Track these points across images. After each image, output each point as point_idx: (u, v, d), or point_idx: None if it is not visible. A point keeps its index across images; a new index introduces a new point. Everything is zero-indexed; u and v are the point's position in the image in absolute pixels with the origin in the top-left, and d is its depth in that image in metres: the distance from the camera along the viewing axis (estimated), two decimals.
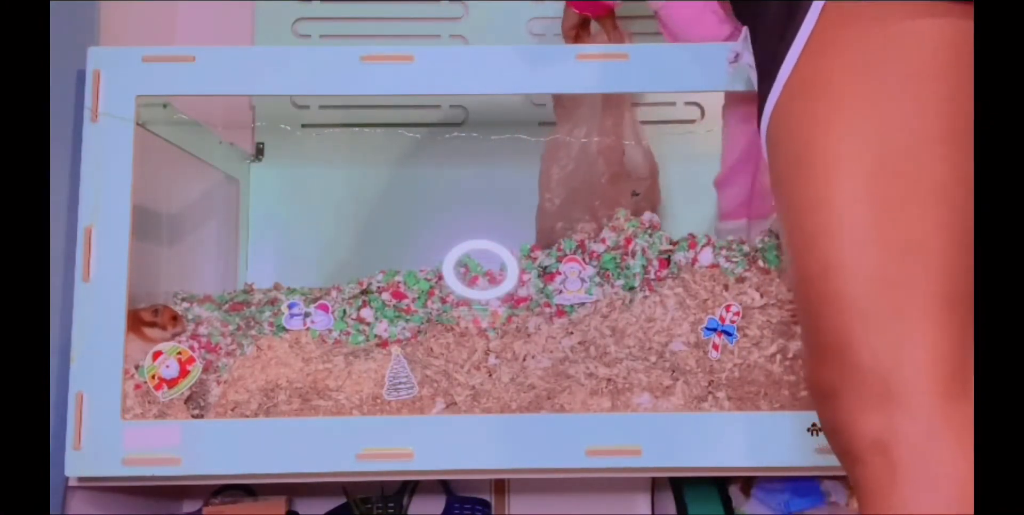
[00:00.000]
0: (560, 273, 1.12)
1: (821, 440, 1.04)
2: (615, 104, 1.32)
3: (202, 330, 1.13)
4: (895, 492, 0.61)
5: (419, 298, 1.13)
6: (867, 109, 0.63)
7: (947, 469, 0.60)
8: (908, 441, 0.61)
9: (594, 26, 1.25)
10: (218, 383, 1.09)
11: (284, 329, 1.12)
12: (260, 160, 1.60)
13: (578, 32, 1.24)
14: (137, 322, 1.10)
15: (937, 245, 0.62)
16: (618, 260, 1.12)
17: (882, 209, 0.63)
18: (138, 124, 1.09)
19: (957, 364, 0.62)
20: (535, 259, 1.13)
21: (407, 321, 1.12)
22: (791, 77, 0.66)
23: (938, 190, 0.62)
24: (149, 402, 1.06)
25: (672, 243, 1.13)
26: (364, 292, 1.13)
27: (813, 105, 0.65)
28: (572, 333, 1.10)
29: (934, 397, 0.61)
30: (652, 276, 1.12)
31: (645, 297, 1.11)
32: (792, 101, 0.67)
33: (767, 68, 0.68)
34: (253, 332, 1.12)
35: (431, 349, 1.11)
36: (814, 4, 0.65)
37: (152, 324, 1.11)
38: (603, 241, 1.13)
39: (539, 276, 1.13)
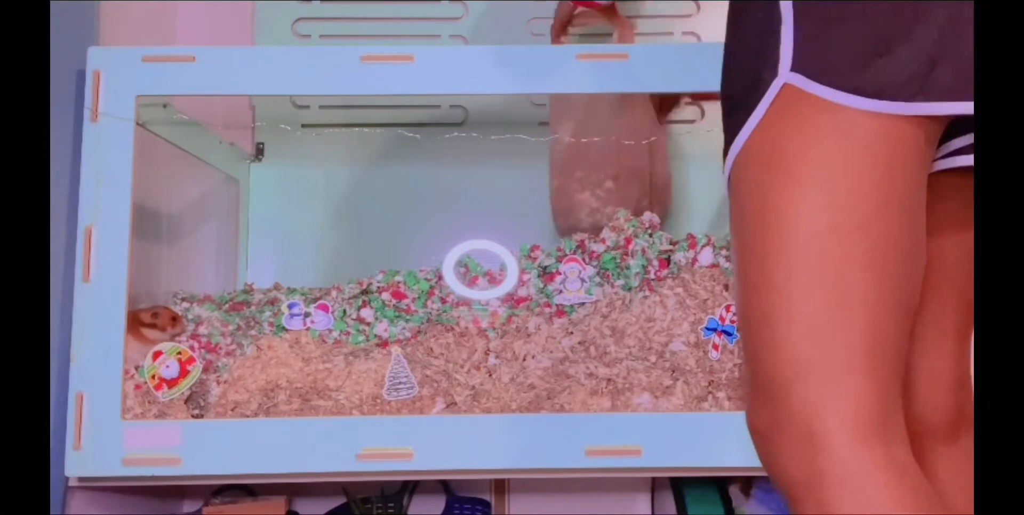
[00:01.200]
0: (560, 273, 1.12)
1: None
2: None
3: (202, 330, 1.13)
4: None
5: (419, 298, 1.13)
6: (816, 178, 0.70)
7: (875, 504, 0.64)
8: (834, 481, 0.65)
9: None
10: (218, 383, 1.09)
11: (284, 329, 1.12)
12: (260, 160, 1.60)
13: (562, 30, 1.26)
14: (136, 323, 1.10)
15: (870, 303, 0.68)
16: (618, 260, 1.12)
17: (824, 266, 0.69)
18: (138, 124, 1.09)
19: (877, 408, 0.67)
20: (535, 259, 1.13)
21: (407, 321, 1.12)
22: (751, 138, 0.73)
23: (874, 255, 0.69)
24: (149, 402, 1.06)
25: (672, 243, 1.13)
26: (364, 292, 1.13)
27: (769, 169, 0.72)
28: (572, 333, 1.10)
29: (855, 439, 0.66)
30: (652, 276, 1.12)
31: (645, 297, 1.11)
32: (750, 163, 0.74)
33: (730, 126, 0.76)
34: (253, 332, 1.12)
35: (431, 349, 1.11)
36: (774, 83, 0.72)
37: (151, 325, 1.10)
38: (603, 241, 1.13)
39: (539, 276, 1.13)
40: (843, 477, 0.65)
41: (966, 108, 0.68)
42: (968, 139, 0.78)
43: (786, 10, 0.74)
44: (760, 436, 0.71)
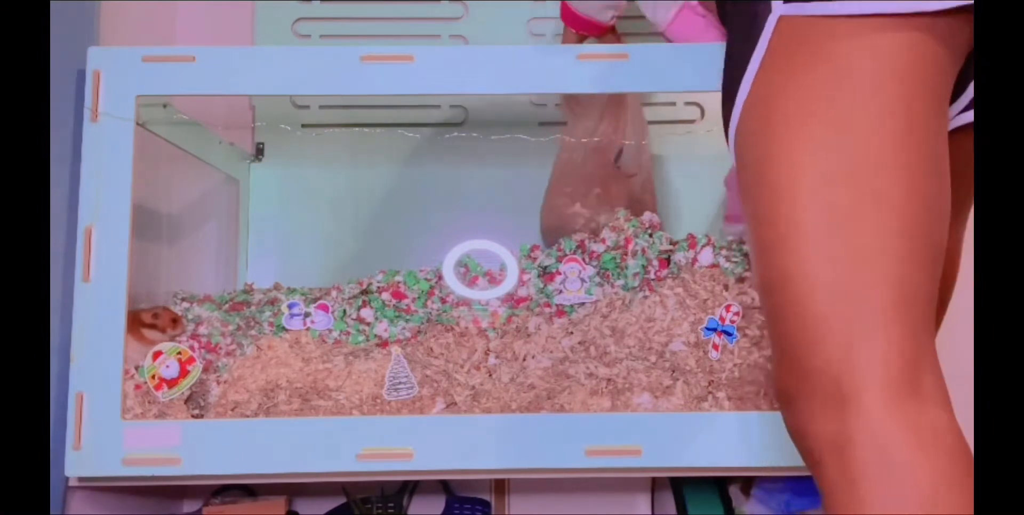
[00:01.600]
0: (560, 273, 1.12)
1: None
2: (616, 103, 1.33)
3: (202, 330, 1.13)
4: (853, 492, 0.62)
5: (419, 298, 1.13)
6: (820, 124, 0.65)
7: (903, 468, 0.60)
8: (862, 441, 0.62)
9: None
10: (218, 383, 1.09)
11: (284, 329, 1.12)
12: (260, 160, 1.59)
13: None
14: (136, 324, 1.10)
15: (888, 253, 0.64)
16: (618, 260, 1.12)
17: (835, 219, 0.64)
18: (138, 124, 1.09)
19: (908, 366, 0.63)
20: (535, 259, 1.13)
21: (407, 321, 1.12)
22: (749, 96, 0.69)
23: (891, 199, 0.64)
24: (149, 402, 1.06)
25: (672, 243, 1.13)
26: (364, 292, 1.13)
27: (770, 122, 0.67)
28: (572, 333, 1.10)
29: (885, 398, 0.62)
30: (652, 276, 1.12)
31: (645, 297, 1.11)
32: (751, 119, 0.69)
33: (729, 90, 0.71)
34: (253, 332, 1.12)
35: (431, 349, 1.11)
36: (769, 19, 0.68)
37: (152, 326, 1.10)
38: (603, 241, 1.13)
39: (539, 276, 1.13)
40: (872, 439, 0.61)
41: None
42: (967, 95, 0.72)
43: None
44: (786, 398, 0.68)
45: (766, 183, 0.67)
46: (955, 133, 0.74)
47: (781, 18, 0.68)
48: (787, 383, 0.67)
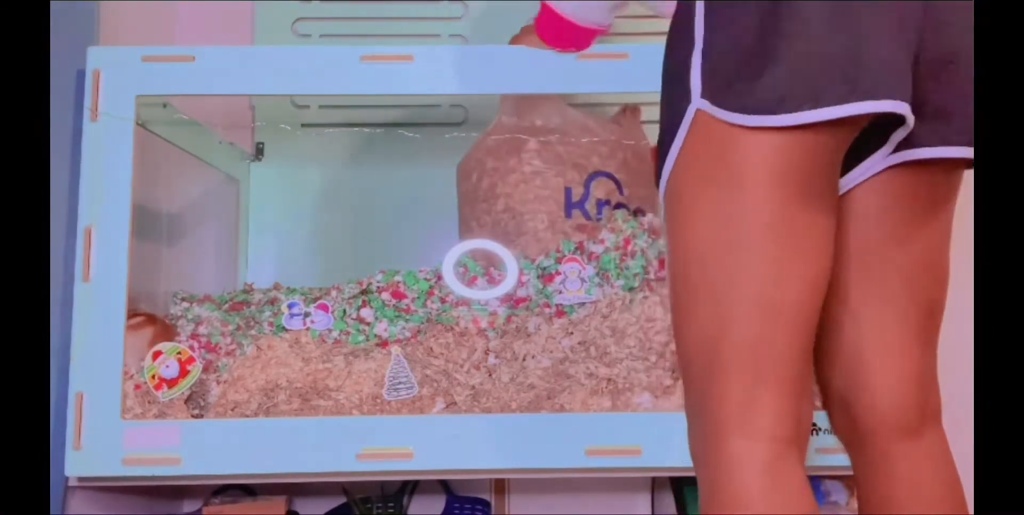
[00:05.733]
0: (560, 273, 1.12)
1: (821, 440, 1.04)
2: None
3: (202, 330, 1.13)
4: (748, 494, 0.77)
5: (419, 298, 1.13)
6: (705, 211, 0.79)
7: (743, 495, 0.76)
8: (719, 467, 0.78)
9: None
10: (218, 383, 1.09)
11: (284, 329, 1.12)
12: (260, 160, 1.59)
13: None
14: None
15: (748, 320, 0.77)
16: (617, 261, 1.12)
17: (708, 288, 0.79)
18: (138, 124, 1.09)
19: (765, 413, 0.78)
20: (534, 259, 1.13)
21: (407, 321, 1.12)
22: (672, 173, 0.82)
23: (750, 273, 0.77)
24: (149, 402, 1.06)
25: None
26: (364, 292, 1.13)
27: (678, 202, 0.82)
28: (572, 333, 1.10)
29: (743, 437, 0.78)
30: (652, 276, 1.12)
31: (645, 297, 1.11)
32: (669, 197, 0.83)
33: (663, 150, 0.83)
34: (253, 332, 1.12)
35: (431, 349, 1.11)
36: (689, 109, 0.79)
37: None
38: (602, 242, 1.13)
39: (538, 277, 1.13)
40: (728, 465, 0.77)
41: (831, 114, 0.73)
42: (904, 134, 0.81)
43: (698, 36, 0.81)
44: (687, 415, 0.84)
45: (669, 249, 0.84)
46: (872, 179, 0.87)
47: (698, 111, 0.79)
48: (686, 403, 0.84)
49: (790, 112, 0.74)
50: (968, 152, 0.83)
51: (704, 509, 0.79)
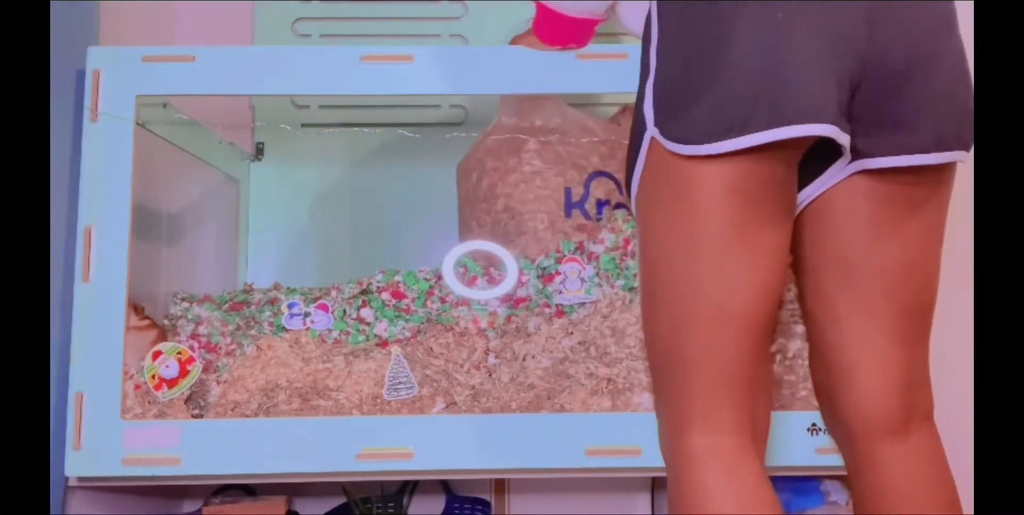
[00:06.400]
0: (560, 273, 1.12)
1: (821, 440, 1.04)
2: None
3: (202, 330, 1.13)
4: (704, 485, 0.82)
5: (419, 298, 1.13)
6: (664, 227, 0.85)
7: (702, 489, 0.81)
8: (683, 461, 0.83)
9: None
10: (218, 383, 1.09)
11: (284, 329, 1.12)
12: (260, 160, 1.59)
13: None
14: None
15: (695, 329, 0.84)
16: (617, 261, 1.12)
17: (663, 298, 0.86)
18: (138, 124, 1.09)
19: (715, 413, 0.84)
20: (534, 259, 1.13)
21: (407, 321, 1.12)
22: (639, 188, 0.88)
23: (689, 286, 0.84)
24: (149, 402, 1.06)
25: None
26: (364, 292, 1.13)
27: (642, 217, 0.88)
28: (572, 333, 1.10)
29: (703, 434, 0.83)
30: None
31: None
32: (639, 205, 0.89)
33: (630, 162, 0.89)
34: (253, 332, 1.12)
35: (431, 349, 1.11)
36: (645, 136, 0.85)
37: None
38: (602, 242, 1.13)
39: (538, 277, 1.13)
40: (689, 462, 0.82)
41: (758, 139, 0.78)
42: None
43: (652, 66, 0.86)
44: (656, 415, 0.89)
45: (638, 259, 0.91)
46: (838, 186, 0.90)
47: (652, 138, 0.84)
48: (655, 402, 0.90)
49: (718, 140, 0.79)
50: (927, 159, 0.85)
51: (670, 507, 0.84)
